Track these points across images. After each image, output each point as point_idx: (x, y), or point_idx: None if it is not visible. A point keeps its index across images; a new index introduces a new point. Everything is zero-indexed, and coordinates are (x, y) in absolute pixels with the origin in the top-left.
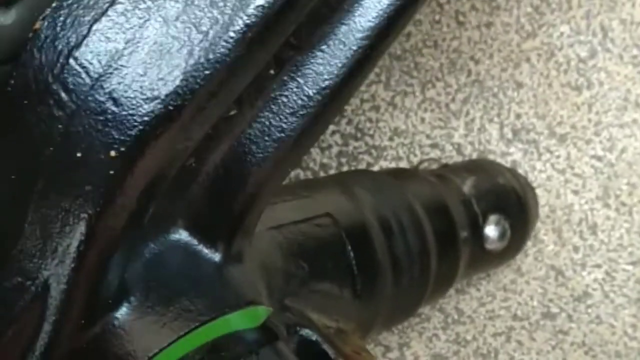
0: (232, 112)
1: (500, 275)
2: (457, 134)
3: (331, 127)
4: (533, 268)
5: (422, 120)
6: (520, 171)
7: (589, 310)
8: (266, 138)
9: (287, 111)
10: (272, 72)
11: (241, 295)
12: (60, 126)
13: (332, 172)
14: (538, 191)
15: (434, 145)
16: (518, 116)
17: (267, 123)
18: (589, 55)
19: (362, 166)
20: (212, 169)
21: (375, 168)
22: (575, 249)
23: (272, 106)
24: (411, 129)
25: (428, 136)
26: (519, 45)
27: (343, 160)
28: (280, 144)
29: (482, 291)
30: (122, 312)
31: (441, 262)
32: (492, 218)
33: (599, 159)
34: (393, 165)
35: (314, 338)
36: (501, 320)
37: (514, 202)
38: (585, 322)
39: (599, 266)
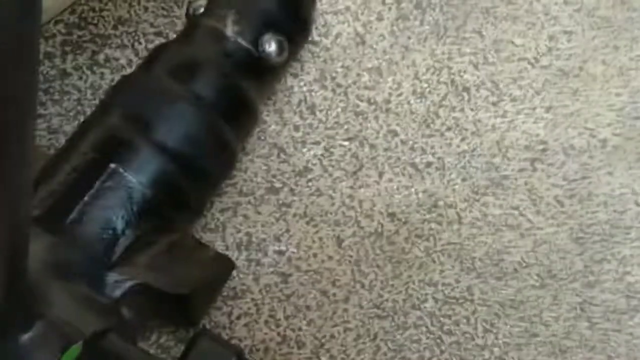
0: None
1: None
2: (181, 22)
3: (54, 17)
4: (257, 147)
5: (146, 9)
6: None
7: (310, 184)
8: None
9: None
10: None
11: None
12: None
13: (56, 60)
14: None
15: (158, 34)
16: None
17: None
18: None
19: (87, 55)
20: None
21: (101, 56)
22: (296, 127)
23: None
24: (135, 18)
25: (152, 24)
26: None
27: (67, 48)
28: None
29: None
30: None
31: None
32: (266, 38)
33: (316, 44)
34: (118, 52)
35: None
36: (227, 197)
37: (282, 16)
38: (307, 195)
39: (317, 143)
